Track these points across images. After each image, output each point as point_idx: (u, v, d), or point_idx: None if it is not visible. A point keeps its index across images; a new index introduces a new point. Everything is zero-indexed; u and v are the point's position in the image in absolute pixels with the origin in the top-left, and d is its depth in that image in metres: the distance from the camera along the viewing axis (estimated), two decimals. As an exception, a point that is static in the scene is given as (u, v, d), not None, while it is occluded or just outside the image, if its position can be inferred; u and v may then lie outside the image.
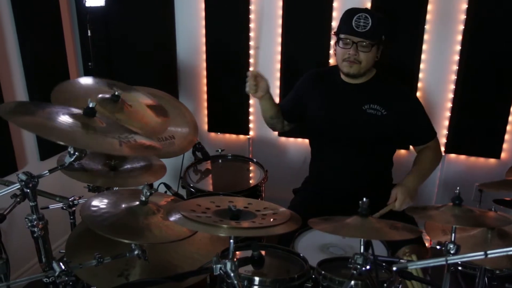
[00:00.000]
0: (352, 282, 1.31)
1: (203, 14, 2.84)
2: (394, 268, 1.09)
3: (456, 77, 2.56)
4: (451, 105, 2.62)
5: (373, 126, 2.08)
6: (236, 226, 1.17)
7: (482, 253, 1.00)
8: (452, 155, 2.72)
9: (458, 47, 2.52)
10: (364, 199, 1.27)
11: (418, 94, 2.65)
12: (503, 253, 0.99)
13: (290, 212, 1.29)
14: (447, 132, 2.66)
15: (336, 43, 2.07)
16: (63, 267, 1.32)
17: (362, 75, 2.08)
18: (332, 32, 2.15)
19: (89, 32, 2.53)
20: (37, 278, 1.34)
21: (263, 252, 1.62)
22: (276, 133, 2.96)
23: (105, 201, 1.53)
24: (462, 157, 2.71)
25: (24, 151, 2.46)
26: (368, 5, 2.55)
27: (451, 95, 2.61)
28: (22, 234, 1.52)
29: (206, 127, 3.08)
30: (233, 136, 3.07)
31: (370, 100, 2.08)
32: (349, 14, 2.01)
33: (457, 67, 2.55)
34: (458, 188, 1.26)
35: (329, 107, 2.15)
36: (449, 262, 1.06)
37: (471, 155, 2.69)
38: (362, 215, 1.25)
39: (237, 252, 1.60)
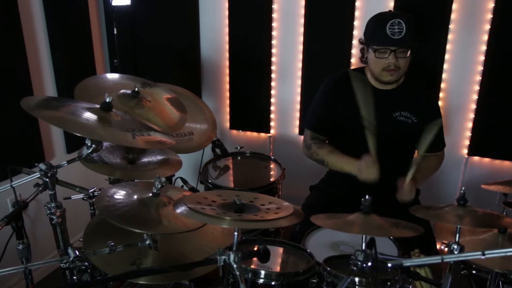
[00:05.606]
0: (357, 279, 1.33)
1: (226, 13, 2.89)
2: (389, 265, 1.09)
3: (481, 78, 2.51)
4: (475, 107, 2.56)
5: (403, 133, 2.08)
6: (238, 218, 1.20)
7: (479, 253, 0.99)
8: (476, 158, 2.66)
9: (483, 47, 2.46)
10: (367, 197, 1.27)
11: (442, 95, 2.61)
12: (501, 253, 0.98)
13: (293, 207, 1.31)
14: (470, 134, 2.61)
15: (366, 51, 2.03)
16: (77, 253, 1.40)
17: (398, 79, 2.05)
18: (359, 41, 2.10)
19: (115, 30, 2.62)
20: (53, 263, 1.42)
21: (281, 249, 1.66)
22: (297, 131, 2.97)
23: (121, 192, 1.59)
24: (486, 160, 2.64)
25: (52, 145, 2.57)
26: (391, 4, 2.53)
27: (475, 96, 2.55)
28: (48, 225, 1.60)
29: (228, 124, 3.12)
30: (254, 134, 3.11)
31: (401, 107, 2.07)
32: (380, 22, 1.93)
33: (482, 68, 2.49)
34: (463, 188, 1.25)
35: (358, 110, 2.12)
36: (445, 260, 1.06)
37: (496, 158, 2.62)
38: (364, 212, 1.26)
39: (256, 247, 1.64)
